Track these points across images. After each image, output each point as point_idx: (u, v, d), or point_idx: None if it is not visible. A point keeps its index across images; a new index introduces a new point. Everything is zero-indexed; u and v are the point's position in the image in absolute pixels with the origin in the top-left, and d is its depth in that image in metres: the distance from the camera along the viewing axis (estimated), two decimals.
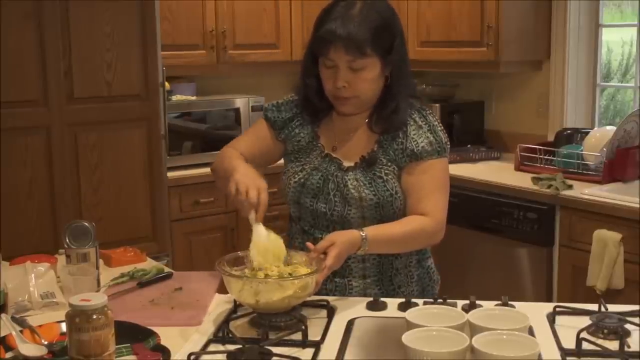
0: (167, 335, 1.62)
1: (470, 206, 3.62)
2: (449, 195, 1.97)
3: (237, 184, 1.77)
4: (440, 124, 1.99)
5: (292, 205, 2.00)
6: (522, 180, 3.50)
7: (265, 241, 1.75)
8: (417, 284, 2.02)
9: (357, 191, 1.91)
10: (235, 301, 1.74)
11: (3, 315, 1.70)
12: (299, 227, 2.01)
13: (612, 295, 2.99)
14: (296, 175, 1.98)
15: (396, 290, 1.98)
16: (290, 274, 1.70)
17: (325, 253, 1.73)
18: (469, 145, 4.13)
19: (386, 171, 1.92)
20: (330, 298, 1.83)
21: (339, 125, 2.01)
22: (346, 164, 1.95)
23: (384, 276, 1.97)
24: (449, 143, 1.98)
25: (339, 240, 1.75)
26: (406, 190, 1.93)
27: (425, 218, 1.90)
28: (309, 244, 1.79)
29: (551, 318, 1.69)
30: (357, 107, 1.95)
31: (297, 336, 1.58)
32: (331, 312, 1.75)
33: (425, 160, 1.92)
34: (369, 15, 1.86)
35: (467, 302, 1.71)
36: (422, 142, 1.92)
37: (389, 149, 1.94)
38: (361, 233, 1.80)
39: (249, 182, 1.77)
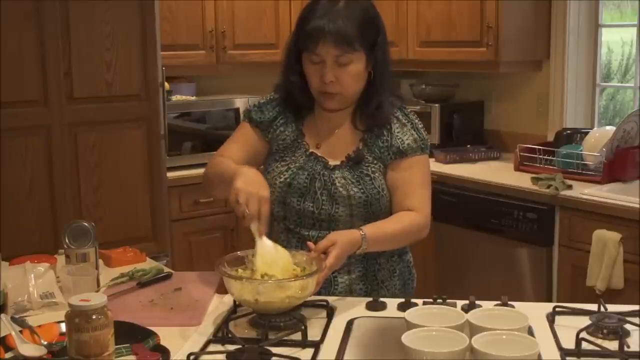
0: (166, 335, 1.62)
1: (470, 206, 3.62)
2: (430, 190, 2.01)
3: (238, 193, 1.72)
4: (420, 122, 2.03)
5: (277, 205, 1.98)
6: (522, 180, 3.49)
7: (272, 253, 1.73)
8: (398, 279, 2.04)
9: (345, 189, 1.92)
10: (235, 301, 1.74)
11: (3, 315, 1.70)
12: (283, 225, 2.00)
13: (611, 295, 2.99)
14: (282, 175, 1.97)
15: (380, 285, 1.99)
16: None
17: (325, 253, 1.73)
18: (468, 145, 4.13)
19: (372, 169, 1.94)
20: (330, 298, 1.83)
21: (322, 123, 2.01)
22: (332, 162, 1.96)
23: (369, 272, 1.98)
24: (429, 140, 2.02)
25: (340, 240, 1.76)
26: (392, 186, 1.95)
27: (415, 213, 1.93)
28: (309, 243, 1.79)
29: (551, 318, 1.69)
30: (342, 103, 1.96)
31: (297, 336, 1.58)
32: (331, 312, 1.75)
33: (410, 157, 1.95)
34: (354, 11, 1.88)
35: (467, 302, 1.71)
36: (407, 139, 1.96)
37: (374, 146, 1.96)
38: (360, 232, 1.81)
39: (250, 191, 1.73)
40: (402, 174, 1.95)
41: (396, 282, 2.03)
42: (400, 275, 2.04)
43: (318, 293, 1.89)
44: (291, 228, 1.98)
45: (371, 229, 1.84)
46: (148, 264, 2.23)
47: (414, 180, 1.95)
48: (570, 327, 1.59)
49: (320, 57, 1.88)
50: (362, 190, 1.92)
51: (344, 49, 1.85)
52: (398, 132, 1.96)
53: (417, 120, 2.02)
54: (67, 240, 2.01)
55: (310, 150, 1.99)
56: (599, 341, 1.53)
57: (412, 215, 1.93)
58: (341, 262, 1.78)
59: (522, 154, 3.72)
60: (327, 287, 1.94)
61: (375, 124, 1.96)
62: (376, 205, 1.93)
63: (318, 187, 1.94)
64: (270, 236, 2.01)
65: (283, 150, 2.01)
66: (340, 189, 1.92)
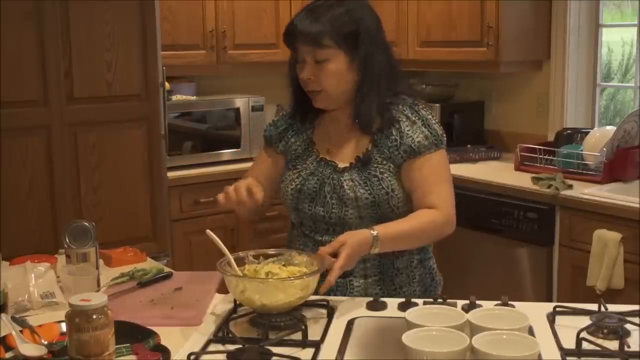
0: (167, 335, 1.62)
1: (470, 206, 3.61)
2: (453, 186, 1.97)
3: (225, 189, 1.83)
4: (434, 117, 1.98)
5: (291, 211, 2.02)
6: (522, 180, 3.50)
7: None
8: (418, 285, 2.01)
9: (352, 191, 1.91)
10: (235, 301, 1.74)
11: (3, 315, 1.70)
12: (300, 231, 2.01)
13: (612, 295, 2.99)
14: (293, 182, 1.98)
15: (397, 291, 1.97)
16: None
17: (336, 254, 1.72)
18: (468, 145, 4.13)
19: (381, 169, 1.92)
20: (330, 298, 1.82)
21: (332, 127, 2.02)
22: (341, 165, 1.96)
23: (385, 276, 1.96)
24: (444, 135, 1.98)
25: (350, 241, 1.74)
26: (409, 186, 1.92)
27: (435, 211, 1.90)
28: (322, 248, 1.76)
29: (551, 318, 1.69)
30: (328, 102, 1.95)
31: (297, 336, 1.58)
32: (331, 312, 1.75)
33: (424, 155, 1.92)
34: (332, 10, 1.88)
35: (467, 302, 1.71)
36: (417, 137, 1.92)
37: (384, 147, 1.94)
38: (372, 232, 1.79)
39: (236, 184, 1.83)
40: (418, 172, 1.92)
41: (416, 288, 2.00)
42: (420, 282, 2.01)
43: (334, 295, 1.89)
44: (307, 233, 1.99)
45: (384, 229, 1.82)
46: (148, 264, 2.23)
47: (432, 177, 1.92)
48: (570, 327, 1.59)
49: (300, 55, 1.91)
50: (369, 192, 1.90)
51: (312, 45, 1.87)
52: (408, 131, 1.92)
53: (429, 116, 1.96)
54: (67, 240, 2.01)
55: (321, 156, 1.99)
56: (599, 341, 1.53)
57: (431, 213, 1.89)
58: (353, 262, 1.77)
59: (522, 153, 3.73)
60: (343, 290, 1.94)
61: (379, 124, 1.94)
62: (385, 206, 1.91)
63: (328, 191, 1.94)
64: (289, 243, 2.05)
65: (296, 159, 2.02)
66: (348, 191, 1.91)
